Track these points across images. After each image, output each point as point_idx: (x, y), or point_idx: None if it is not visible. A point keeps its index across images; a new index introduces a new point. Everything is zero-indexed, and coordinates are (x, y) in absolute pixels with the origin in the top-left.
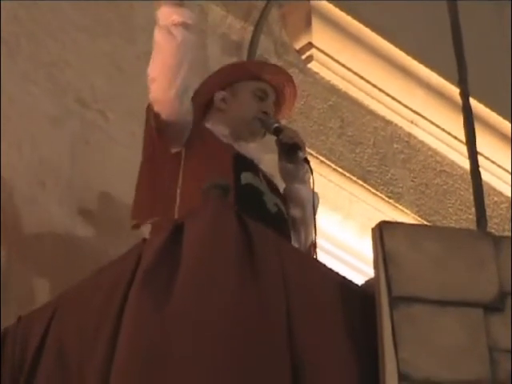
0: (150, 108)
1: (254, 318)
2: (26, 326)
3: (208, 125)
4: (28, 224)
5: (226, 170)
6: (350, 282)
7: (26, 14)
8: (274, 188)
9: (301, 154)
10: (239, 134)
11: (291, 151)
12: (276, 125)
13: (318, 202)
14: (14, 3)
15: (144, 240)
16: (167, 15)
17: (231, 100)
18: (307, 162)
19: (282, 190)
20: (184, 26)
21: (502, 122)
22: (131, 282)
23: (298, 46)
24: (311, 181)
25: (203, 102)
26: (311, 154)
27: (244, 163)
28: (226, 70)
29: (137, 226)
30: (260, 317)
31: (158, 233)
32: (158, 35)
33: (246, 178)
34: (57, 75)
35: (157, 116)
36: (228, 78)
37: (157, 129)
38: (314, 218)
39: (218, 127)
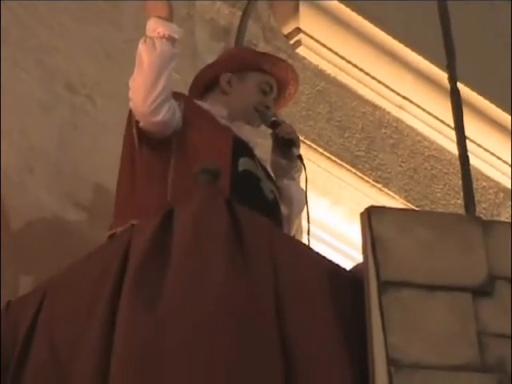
0: (130, 114)
1: (244, 308)
2: (16, 311)
3: (205, 105)
4: (17, 210)
5: (225, 155)
6: (339, 267)
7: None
8: (268, 175)
9: (295, 150)
10: (236, 118)
11: (286, 146)
12: (274, 118)
13: (307, 199)
14: None
15: (132, 225)
16: (154, 27)
17: (236, 85)
18: (301, 159)
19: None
20: (169, 39)
21: (489, 107)
22: (122, 267)
23: (286, 31)
24: (302, 178)
25: (206, 80)
26: (300, 140)
27: (242, 148)
28: (238, 55)
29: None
30: (251, 306)
31: (148, 218)
32: (142, 46)
33: (244, 163)
34: (45, 61)
35: (136, 123)
36: (239, 63)
37: (137, 133)
38: (308, 214)
39: (216, 107)
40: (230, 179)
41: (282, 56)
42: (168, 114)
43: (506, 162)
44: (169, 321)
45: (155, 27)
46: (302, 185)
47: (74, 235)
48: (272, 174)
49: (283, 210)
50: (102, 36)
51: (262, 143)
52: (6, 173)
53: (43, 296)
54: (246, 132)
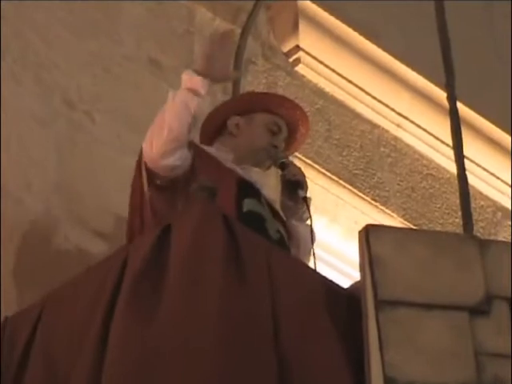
0: (141, 154)
1: (240, 324)
2: (14, 326)
3: (211, 150)
4: (15, 225)
5: (229, 197)
6: (337, 285)
7: (14, 13)
8: (275, 213)
9: (301, 193)
10: (244, 161)
11: (293, 188)
12: (283, 160)
13: (314, 239)
14: (1, 3)
15: (130, 241)
16: (185, 79)
17: (244, 127)
18: (307, 201)
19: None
20: (193, 92)
21: (488, 126)
22: (118, 285)
23: (285, 48)
24: (309, 220)
25: (215, 124)
26: (298, 157)
27: (247, 189)
28: (245, 97)
29: None
30: (247, 327)
31: (145, 234)
32: (170, 95)
33: (249, 204)
34: (44, 76)
35: (146, 164)
36: (246, 105)
37: (146, 175)
38: (313, 254)
39: (221, 152)
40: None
41: (281, 74)
42: (178, 161)
43: (504, 181)
44: (163, 341)
45: (185, 79)
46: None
47: (71, 250)
48: (281, 214)
49: (292, 250)
50: (101, 52)
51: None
52: (6, 188)
53: (40, 311)
54: (252, 173)
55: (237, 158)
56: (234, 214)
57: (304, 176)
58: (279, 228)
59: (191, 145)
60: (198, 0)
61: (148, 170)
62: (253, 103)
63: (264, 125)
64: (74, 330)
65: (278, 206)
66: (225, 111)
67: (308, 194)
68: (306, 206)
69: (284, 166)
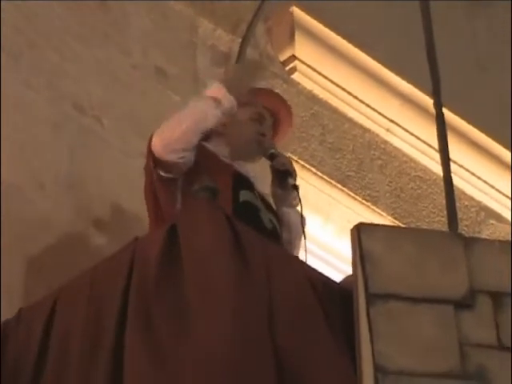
0: (150, 140)
1: (248, 320)
2: (28, 317)
3: (210, 146)
4: (28, 224)
5: (226, 188)
6: (330, 279)
7: (28, 24)
8: (268, 205)
9: (290, 181)
10: (238, 155)
11: (282, 177)
12: (272, 151)
13: (305, 224)
14: (15, 14)
15: (136, 238)
16: (215, 89)
17: (231, 124)
18: (296, 188)
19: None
20: (218, 104)
21: (472, 131)
22: (128, 280)
23: (282, 58)
24: (299, 206)
25: None
26: (294, 160)
27: (242, 182)
28: None
29: None
30: (252, 318)
31: (151, 232)
32: (194, 99)
33: (245, 195)
34: (56, 83)
35: (152, 153)
36: None
37: (153, 162)
38: (305, 238)
39: (219, 148)
40: (231, 209)
41: (278, 81)
42: (180, 160)
43: (487, 183)
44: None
45: (214, 87)
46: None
47: (82, 247)
48: (273, 206)
49: (284, 235)
50: (110, 61)
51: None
52: (20, 188)
53: (54, 303)
54: (247, 169)
55: (231, 153)
56: (230, 204)
57: (292, 165)
58: (271, 218)
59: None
60: (200, 12)
61: (154, 157)
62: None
63: (247, 116)
64: (87, 321)
65: (269, 199)
66: None
67: (303, 194)
68: (295, 193)
69: (273, 156)
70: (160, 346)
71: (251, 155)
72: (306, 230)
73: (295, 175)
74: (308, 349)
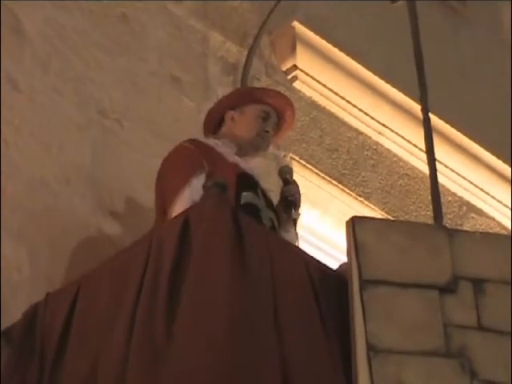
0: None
1: (247, 306)
2: (54, 301)
3: (218, 143)
4: (54, 215)
5: (230, 187)
6: (327, 267)
7: (56, 35)
8: (269, 202)
9: (294, 214)
10: (245, 151)
11: (288, 206)
12: (287, 176)
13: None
14: (44, 26)
15: (153, 230)
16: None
17: (239, 119)
18: (295, 223)
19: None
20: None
21: (455, 134)
22: (144, 270)
23: (284, 67)
24: (295, 236)
25: (214, 119)
26: (295, 159)
27: (246, 182)
28: (236, 94)
29: None
30: (252, 303)
31: (166, 226)
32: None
33: (246, 197)
34: (81, 89)
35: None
36: (237, 100)
37: None
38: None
39: (226, 145)
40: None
41: (281, 88)
42: None
43: (468, 180)
44: (177, 326)
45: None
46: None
47: (103, 238)
48: (273, 201)
49: None
50: (129, 69)
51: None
52: (48, 183)
53: (78, 290)
54: (252, 165)
55: (239, 149)
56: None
57: (300, 195)
58: (271, 216)
59: (194, 143)
60: (211, 27)
61: None
62: (243, 97)
63: (255, 113)
64: (106, 306)
65: (271, 196)
66: (221, 107)
67: (303, 191)
68: (294, 226)
69: (286, 182)
70: (156, 346)
71: (255, 150)
72: (305, 220)
73: (299, 206)
74: (304, 330)
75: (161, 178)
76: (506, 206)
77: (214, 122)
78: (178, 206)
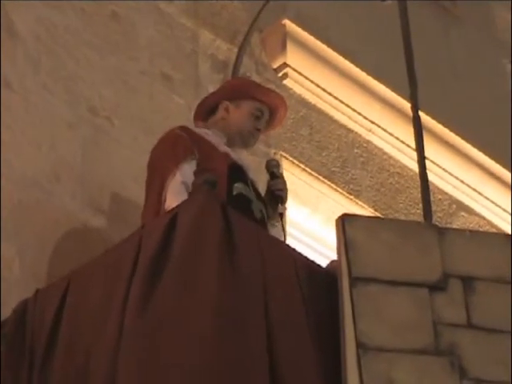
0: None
1: (235, 300)
2: (44, 297)
3: (208, 132)
4: (44, 212)
5: (222, 178)
6: (317, 264)
7: (48, 34)
8: (258, 194)
9: (280, 208)
10: (234, 142)
11: (275, 200)
12: (274, 170)
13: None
14: (36, 25)
15: (143, 226)
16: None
17: (233, 111)
18: (281, 216)
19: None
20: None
21: (446, 132)
22: (134, 267)
23: (274, 65)
24: (281, 230)
25: (208, 106)
26: (285, 157)
27: (237, 173)
28: (236, 85)
29: None
30: (240, 298)
31: (156, 221)
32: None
33: (238, 188)
34: (72, 87)
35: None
36: (236, 93)
37: None
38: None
39: (216, 136)
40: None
41: (271, 86)
42: None
43: (458, 179)
44: (163, 315)
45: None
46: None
47: (93, 235)
48: (261, 193)
49: None
50: (120, 67)
51: None
52: (38, 181)
53: (67, 285)
54: (242, 157)
55: (228, 140)
56: (225, 196)
57: (286, 191)
58: (262, 208)
59: (186, 131)
60: (201, 25)
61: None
62: (241, 91)
63: (249, 110)
64: (96, 302)
65: (259, 187)
66: (217, 96)
67: (293, 188)
68: (280, 219)
69: (274, 176)
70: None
71: (244, 144)
72: (295, 218)
73: (286, 201)
74: (293, 328)
75: (152, 161)
76: (495, 204)
77: (208, 109)
78: (170, 192)
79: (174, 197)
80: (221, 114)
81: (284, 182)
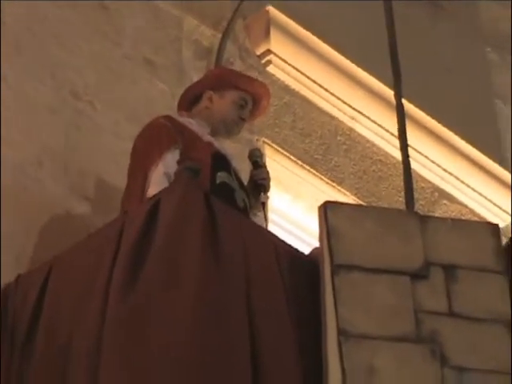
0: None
1: (216, 297)
2: (25, 282)
3: (192, 121)
4: (28, 197)
5: (205, 167)
6: (299, 251)
7: (32, 20)
8: (241, 184)
9: (262, 197)
10: (218, 132)
11: (257, 189)
12: (257, 159)
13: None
14: (21, 10)
15: (125, 212)
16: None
17: (217, 101)
18: (263, 205)
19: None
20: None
21: (429, 121)
22: (116, 252)
23: (258, 52)
24: (263, 220)
25: (192, 95)
26: (268, 144)
27: (220, 162)
28: (220, 75)
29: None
30: (223, 287)
31: (138, 207)
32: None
33: (221, 177)
34: (55, 72)
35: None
36: (220, 82)
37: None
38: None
39: (200, 126)
40: (209, 190)
41: (254, 73)
42: None
43: (440, 167)
44: (145, 300)
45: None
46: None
47: (76, 220)
48: (243, 182)
49: None
50: (104, 52)
51: None
52: (21, 166)
53: (49, 270)
54: (226, 146)
55: (212, 129)
56: (208, 185)
57: (269, 180)
58: (244, 197)
59: (168, 120)
60: (185, 11)
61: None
62: (225, 81)
63: (233, 99)
64: (78, 286)
65: (242, 177)
66: (201, 85)
67: (276, 175)
68: (262, 209)
69: (256, 165)
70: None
71: (227, 134)
72: (277, 205)
73: (268, 190)
74: (275, 317)
75: (135, 150)
76: (478, 192)
77: (191, 98)
78: (153, 183)
79: (156, 187)
80: (204, 104)
81: (267, 172)
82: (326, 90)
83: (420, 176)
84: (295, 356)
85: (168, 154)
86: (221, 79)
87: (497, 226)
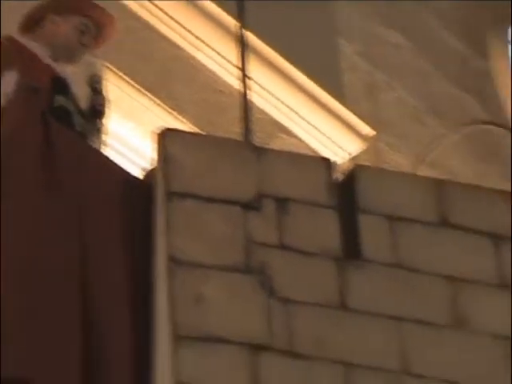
0: None
1: (47, 226)
2: None
3: (33, 44)
4: None
5: (43, 92)
6: (135, 177)
7: None
8: (79, 109)
9: (98, 123)
10: (59, 56)
11: (94, 114)
12: (97, 85)
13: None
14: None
15: None
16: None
17: (59, 25)
18: (99, 132)
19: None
20: None
21: (272, 54)
22: None
23: None
24: (99, 146)
25: (35, 18)
26: (109, 68)
27: (59, 85)
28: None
29: None
30: (53, 221)
31: None
32: None
33: (59, 100)
34: None
35: None
36: (63, 6)
37: None
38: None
39: (42, 47)
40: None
41: None
42: None
43: (278, 99)
44: None
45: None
46: None
47: None
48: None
49: None
50: None
51: None
52: None
53: None
54: (65, 70)
55: (53, 53)
56: (46, 107)
57: (107, 106)
58: (81, 122)
59: (12, 41)
60: None
61: None
62: (68, 5)
63: (75, 25)
64: None
65: (80, 102)
66: (44, 9)
67: (118, 101)
68: (99, 135)
69: (96, 91)
70: None
71: (68, 59)
72: (119, 132)
73: (104, 117)
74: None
75: None
76: (314, 127)
77: (34, 22)
78: None
79: None
80: (48, 28)
81: (105, 98)
82: (171, 17)
83: (259, 109)
84: (126, 282)
85: (5, 73)
86: (64, 3)
87: (330, 160)
